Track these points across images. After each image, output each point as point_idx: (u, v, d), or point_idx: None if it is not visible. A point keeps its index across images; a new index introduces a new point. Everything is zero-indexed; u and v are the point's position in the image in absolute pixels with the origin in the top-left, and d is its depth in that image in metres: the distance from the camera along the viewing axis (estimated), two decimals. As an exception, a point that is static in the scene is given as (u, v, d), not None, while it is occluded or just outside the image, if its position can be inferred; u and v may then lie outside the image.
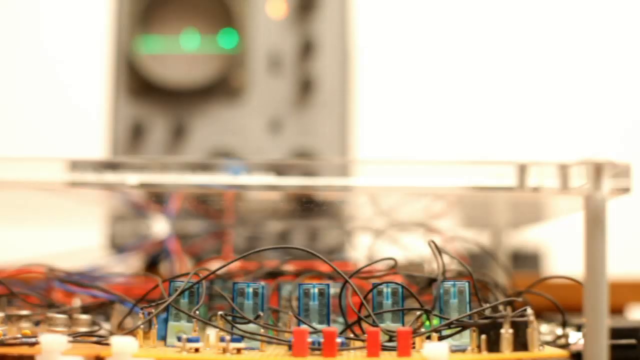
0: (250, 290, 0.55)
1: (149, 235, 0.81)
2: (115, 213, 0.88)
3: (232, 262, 0.55)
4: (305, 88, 0.91)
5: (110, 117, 0.91)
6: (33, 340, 0.52)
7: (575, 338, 0.60)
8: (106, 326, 0.60)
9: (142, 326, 0.53)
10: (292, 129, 0.90)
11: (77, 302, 0.64)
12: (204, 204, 0.78)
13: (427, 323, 0.57)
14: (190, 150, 0.90)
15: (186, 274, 0.56)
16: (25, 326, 0.60)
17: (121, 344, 0.49)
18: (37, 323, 0.61)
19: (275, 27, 0.92)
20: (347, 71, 0.91)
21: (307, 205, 0.84)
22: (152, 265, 0.83)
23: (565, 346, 0.60)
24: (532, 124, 1.27)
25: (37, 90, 1.24)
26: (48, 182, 0.71)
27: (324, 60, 0.92)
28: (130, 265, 0.82)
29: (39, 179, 0.71)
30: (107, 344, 0.53)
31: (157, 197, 0.78)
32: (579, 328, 0.61)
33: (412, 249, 0.71)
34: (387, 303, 0.56)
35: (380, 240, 0.75)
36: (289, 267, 0.68)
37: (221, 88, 0.91)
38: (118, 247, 0.87)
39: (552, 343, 0.61)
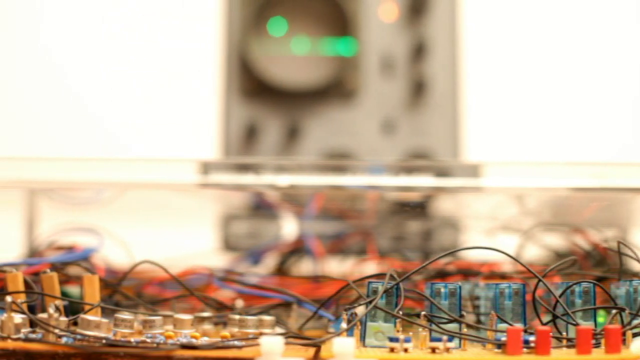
0: (447, 290, 0.56)
1: (280, 236, 0.82)
2: (232, 214, 0.88)
3: (433, 260, 0.56)
4: (418, 89, 0.92)
5: (223, 118, 0.91)
6: (239, 343, 0.53)
7: None
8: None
9: (346, 327, 0.54)
10: (405, 130, 0.91)
11: (239, 303, 0.65)
12: (334, 204, 0.79)
13: (602, 321, 0.58)
14: (304, 152, 0.90)
15: (381, 275, 0.56)
16: (208, 328, 0.60)
17: (342, 345, 0.50)
18: (216, 324, 0.61)
19: (387, 30, 0.93)
20: (458, 72, 0.92)
21: (420, 206, 0.85)
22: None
23: None
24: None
25: (153, 94, 1.24)
26: (182, 183, 0.72)
27: (436, 62, 0.93)
28: (265, 265, 0.83)
29: (173, 180, 0.72)
30: (315, 345, 0.54)
31: (292, 198, 0.78)
32: None
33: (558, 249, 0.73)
34: (579, 302, 0.57)
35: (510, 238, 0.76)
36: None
37: (335, 90, 0.92)
38: (234, 248, 0.87)
39: None
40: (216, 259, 0.84)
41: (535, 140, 1.21)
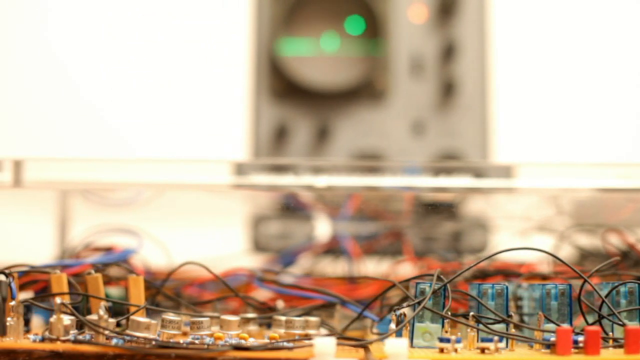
0: (494, 290, 0.56)
1: (313, 236, 0.82)
2: (262, 214, 0.88)
3: (483, 260, 0.56)
4: (447, 90, 0.92)
5: (253, 118, 0.92)
6: (289, 344, 0.53)
7: None
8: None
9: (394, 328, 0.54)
10: (435, 131, 0.92)
11: (280, 304, 0.65)
12: (366, 205, 0.80)
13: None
14: (334, 153, 0.91)
15: (427, 275, 0.56)
16: (253, 329, 0.60)
17: (395, 345, 0.50)
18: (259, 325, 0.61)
19: (417, 31, 0.93)
20: (487, 73, 0.93)
21: (449, 207, 0.85)
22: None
23: None
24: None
25: (183, 94, 1.24)
26: (217, 184, 0.72)
27: (465, 63, 0.93)
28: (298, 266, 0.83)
29: (208, 181, 0.72)
30: (363, 346, 0.54)
31: (325, 198, 0.79)
32: None
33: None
34: (624, 302, 0.57)
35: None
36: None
37: (365, 91, 0.92)
38: (264, 249, 0.88)
39: None
40: (247, 260, 0.84)
41: (565, 141, 1.21)
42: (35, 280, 0.64)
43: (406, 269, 0.74)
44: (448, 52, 0.92)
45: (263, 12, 0.93)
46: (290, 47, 0.92)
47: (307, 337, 0.56)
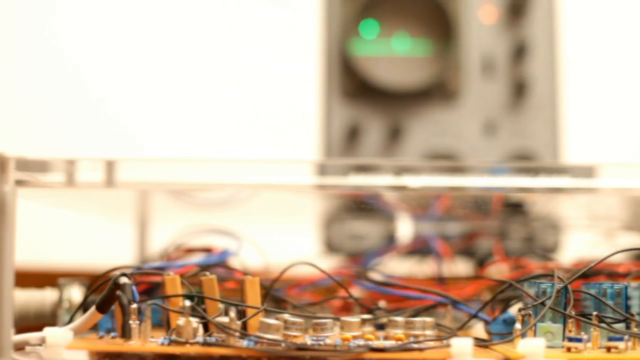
0: (613, 290, 0.56)
1: (397, 237, 0.82)
2: (335, 215, 0.89)
3: (605, 259, 0.57)
4: (519, 91, 0.93)
5: (325, 119, 0.92)
6: (421, 345, 0.53)
7: None
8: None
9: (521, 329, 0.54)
10: (507, 131, 0.92)
11: (382, 304, 0.65)
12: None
13: None
14: (406, 153, 0.91)
15: (547, 275, 0.57)
16: (369, 330, 0.61)
17: (531, 345, 0.51)
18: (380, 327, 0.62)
19: (488, 31, 0.94)
20: (558, 73, 0.93)
21: (519, 207, 0.86)
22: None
23: None
24: None
25: (254, 94, 1.25)
26: (302, 184, 0.72)
27: (536, 63, 0.94)
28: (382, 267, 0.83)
29: (293, 181, 0.72)
30: (485, 346, 0.55)
31: (410, 199, 0.79)
32: None
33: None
34: None
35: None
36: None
37: (437, 91, 0.92)
38: (336, 250, 0.88)
39: None
40: (323, 262, 0.84)
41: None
42: (138, 282, 0.64)
43: (497, 269, 0.75)
44: (519, 52, 0.93)
45: (334, 12, 0.93)
46: (362, 47, 0.92)
47: (425, 338, 0.56)
